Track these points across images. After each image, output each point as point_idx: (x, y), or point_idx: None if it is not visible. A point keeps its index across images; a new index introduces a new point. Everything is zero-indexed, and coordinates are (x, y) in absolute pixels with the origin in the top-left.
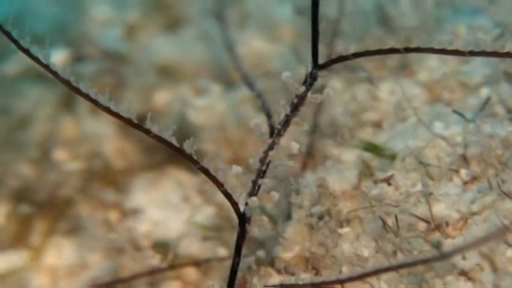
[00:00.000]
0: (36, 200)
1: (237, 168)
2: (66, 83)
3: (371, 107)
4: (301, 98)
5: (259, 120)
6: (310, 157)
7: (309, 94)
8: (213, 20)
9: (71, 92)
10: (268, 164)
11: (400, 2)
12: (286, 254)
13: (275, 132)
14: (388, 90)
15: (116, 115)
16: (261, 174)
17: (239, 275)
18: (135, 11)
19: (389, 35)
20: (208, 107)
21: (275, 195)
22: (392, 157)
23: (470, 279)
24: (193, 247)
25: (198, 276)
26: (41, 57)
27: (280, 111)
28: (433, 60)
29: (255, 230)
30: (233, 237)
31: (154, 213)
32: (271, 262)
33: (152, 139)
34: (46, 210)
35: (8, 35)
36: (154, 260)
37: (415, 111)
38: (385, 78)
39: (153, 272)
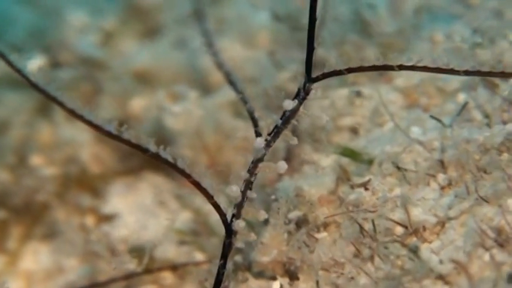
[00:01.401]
0: (12, 205)
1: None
2: (42, 92)
3: (348, 112)
4: (294, 112)
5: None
6: (287, 162)
7: (301, 108)
8: (192, 22)
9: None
10: (256, 175)
11: (377, 8)
12: (264, 259)
13: (264, 143)
14: (366, 96)
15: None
16: (250, 185)
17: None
18: (111, 18)
19: (367, 41)
20: (184, 113)
21: (263, 214)
22: (370, 162)
23: (447, 283)
24: (169, 251)
25: (175, 280)
26: (17, 65)
27: (269, 123)
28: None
29: (239, 243)
30: (210, 242)
31: (130, 218)
32: (248, 266)
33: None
34: (22, 215)
35: None
36: (131, 265)
37: (392, 116)
38: (363, 83)
39: (129, 276)
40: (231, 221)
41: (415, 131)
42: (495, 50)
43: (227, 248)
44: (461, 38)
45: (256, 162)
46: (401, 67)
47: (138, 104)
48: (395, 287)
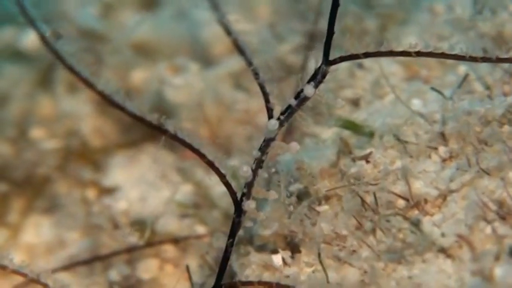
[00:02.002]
0: (13, 178)
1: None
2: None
3: (349, 84)
4: (308, 95)
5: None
6: (288, 135)
7: (317, 91)
8: None
9: (48, 71)
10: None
11: None
12: (265, 232)
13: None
14: (366, 68)
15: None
16: (261, 164)
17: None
18: None
19: (367, 12)
20: (185, 85)
21: (273, 194)
22: (371, 135)
23: (449, 256)
24: (171, 225)
25: (176, 253)
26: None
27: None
28: (410, 37)
29: (248, 222)
30: (211, 215)
31: (132, 191)
32: (250, 240)
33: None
34: (23, 188)
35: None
36: (132, 238)
37: (393, 88)
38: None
39: (131, 249)
40: (241, 199)
41: (416, 103)
42: (496, 21)
43: (236, 226)
44: (461, 9)
45: (268, 142)
46: (419, 53)
47: (139, 76)
48: (397, 260)
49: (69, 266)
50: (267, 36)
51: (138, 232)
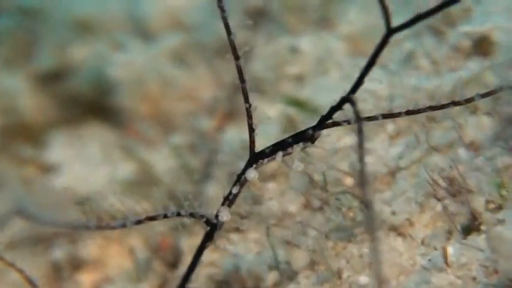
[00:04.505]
0: None
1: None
2: None
3: (292, 60)
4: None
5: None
6: (231, 113)
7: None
8: None
9: None
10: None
11: None
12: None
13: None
14: (309, 44)
15: None
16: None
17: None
18: None
19: None
20: (126, 62)
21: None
22: (316, 111)
23: (400, 234)
24: (114, 202)
25: (119, 231)
26: None
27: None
28: (353, 12)
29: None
30: (155, 193)
31: (73, 168)
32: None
33: (68, 93)
34: None
35: None
36: (75, 216)
37: (338, 64)
38: (306, 31)
39: (73, 228)
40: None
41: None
42: None
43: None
44: None
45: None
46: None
47: (79, 53)
48: (347, 238)
49: (11, 245)
50: (206, 10)
51: (81, 210)
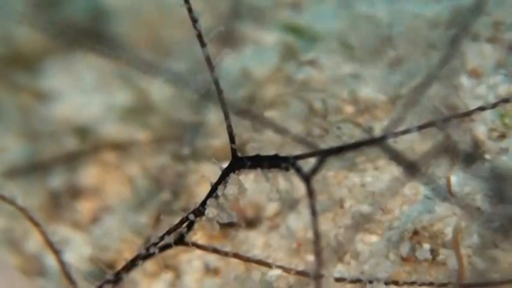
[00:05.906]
0: None
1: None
2: None
3: None
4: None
5: None
6: (229, 41)
7: None
8: None
9: None
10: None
11: None
12: (212, 142)
13: None
14: None
15: None
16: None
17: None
18: None
19: None
20: None
21: None
22: (315, 38)
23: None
24: (112, 130)
25: (117, 159)
26: None
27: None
28: None
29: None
30: (152, 120)
31: (71, 96)
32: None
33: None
34: None
35: None
36: (72, 144)
37: None
38: None
39: (71, 155)
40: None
41: (361, 5)
42: None
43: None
44: None
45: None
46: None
47: None
48: (348, 167)
49: (8, 172)
50: None
51: (78, 138)
